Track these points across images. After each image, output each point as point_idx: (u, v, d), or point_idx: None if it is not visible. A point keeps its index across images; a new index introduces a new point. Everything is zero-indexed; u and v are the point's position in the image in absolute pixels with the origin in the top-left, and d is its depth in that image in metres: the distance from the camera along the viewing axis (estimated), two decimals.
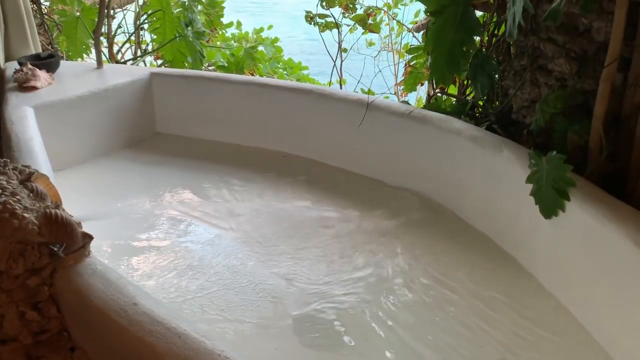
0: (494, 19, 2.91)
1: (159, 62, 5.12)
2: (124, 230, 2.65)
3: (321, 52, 4.51)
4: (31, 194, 1.76)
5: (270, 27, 5.70)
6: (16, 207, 1.63)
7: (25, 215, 1.62)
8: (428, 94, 3.54)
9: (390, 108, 3.03)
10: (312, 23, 4.69)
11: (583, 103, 2.32)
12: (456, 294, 2.27)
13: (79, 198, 2.71)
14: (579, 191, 2.09)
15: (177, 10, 4.40)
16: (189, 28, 4.29)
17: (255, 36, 5.56)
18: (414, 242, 2.60)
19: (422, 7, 3.38)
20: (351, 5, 4.73)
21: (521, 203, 2.31)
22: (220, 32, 5.49)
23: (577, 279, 2.11)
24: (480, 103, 3.04)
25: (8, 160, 1.88)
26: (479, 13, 2.95)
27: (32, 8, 4.04)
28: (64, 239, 1.64)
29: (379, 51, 5.22)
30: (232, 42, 5.40)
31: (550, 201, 2.14)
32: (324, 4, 4.57)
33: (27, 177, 1.84)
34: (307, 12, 4.64)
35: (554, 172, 2.13)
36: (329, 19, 4.63)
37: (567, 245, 2.15)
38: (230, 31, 5.64)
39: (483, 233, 2.65)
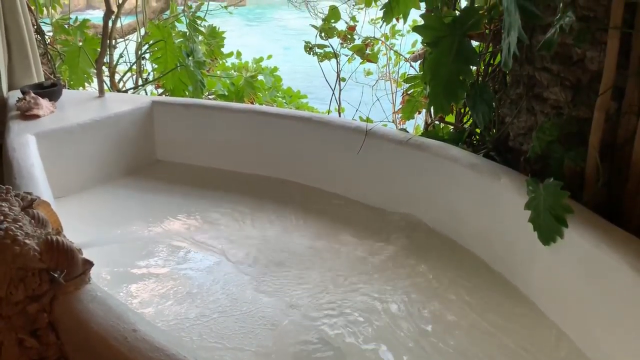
0: (490, 49, 2.96)
1: (160, 91, 5.18)
2: (123, 258, 2.65)
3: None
4: (32, 221, 1.77)
5: (269, 56, 5.80)
6: (18, 233, 1.63)
7: (27, 241, 1.63)
8: (426, 122, 3.58)
9: (388, 135, 3.07)
10: (311, 53, 4.77)
11: (579, 130, 2.35)
12: (455, 322, 2.26)
13: (79, 225, 2.71)
14: (577, 218, 2.10)
15: (179, 40, 4.48)
16: (190, 58, 4.36)
17: (255, 66, 5.65)
18: (412, 268, 2.60)
19: (419, 37, 3.45)
20: (349, 36, 4.82)
21: (519, 229, 2.32)
22: (220, 62, 5.58)
23: (576, 305, 2.11)
24: (478, 131, 3.08)
25: (10, 187, 1.90)
26: (475, 43, 3.01)
27: (36, 38, 4.11)
28: (64, 265, 1.64)
29: (377, 80, 5.29)
30: (232, 71, 5.49)
31: (548, 228, 2.16)
32: (322, 34, 4.66)
33: (29, 204, 1.86)
34: (306, 42, 4.72)
35: (551, 199, 2.15)
36: (327, 49, 4.71)
37: (565, 272, 2.15)
38: (231, 61, 5.74)
39: (482, 260, 2.65)
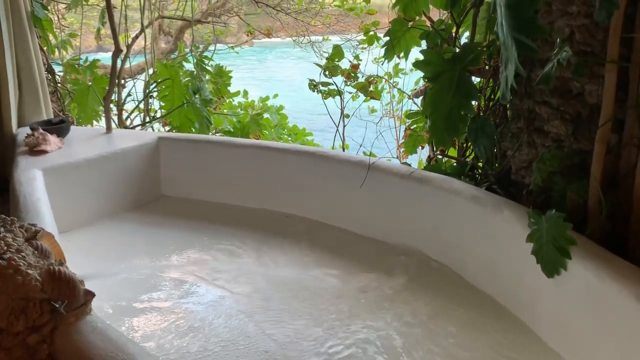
0: (490, 84, 3.01)
1: (167, 128, 5.26)
2: (127, 291, 2.64)
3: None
4: (36, 252, 1.78)
5: (275, 95, 5.90)
6: (20, 263, 1.64)
7: (29, 271, 1.63)
8: (428, 157, 3.61)
9: (391, 169, 3.09)
10: (316, 91, 4.86)
11: (580, 163, 2.36)
12: (459, 356, 2.22)
13: (84, 258, 2.73)
14: (580, 249, 2.09)
15: (186, 79, 4.57)
16: (196, 95, 4.44)
17: (261, 104, 5.75)
18: (416, 302, 2.58)
19: (422, 74, 3.52)
20: (353, 74, 4.91)
21: (523, 262, 2.30)
22: (227, 100, 5.68)
23: (582, 337, 2.08)
24: (480, 164, 3.09)
25: (15, 218, 1.92)
26: (476, 80, 3.06)
27: (46, 77, 4.21)
28: (66, 295, 1.64)
29: (381, 117, 5.36)
30: (239, 110, 5.58)
31: (551, 260, 2.14)
32: (327, 73, 4.76)
33: (33, 235, 1.87)
34: (310, 80, 4.81)
35: (554, 231, 2.14)
36: (331, 87, 4.80)
37: (570, 304, 2.12)
38: (237, 100, 5.84)
39: (485, 293, 2.62)
